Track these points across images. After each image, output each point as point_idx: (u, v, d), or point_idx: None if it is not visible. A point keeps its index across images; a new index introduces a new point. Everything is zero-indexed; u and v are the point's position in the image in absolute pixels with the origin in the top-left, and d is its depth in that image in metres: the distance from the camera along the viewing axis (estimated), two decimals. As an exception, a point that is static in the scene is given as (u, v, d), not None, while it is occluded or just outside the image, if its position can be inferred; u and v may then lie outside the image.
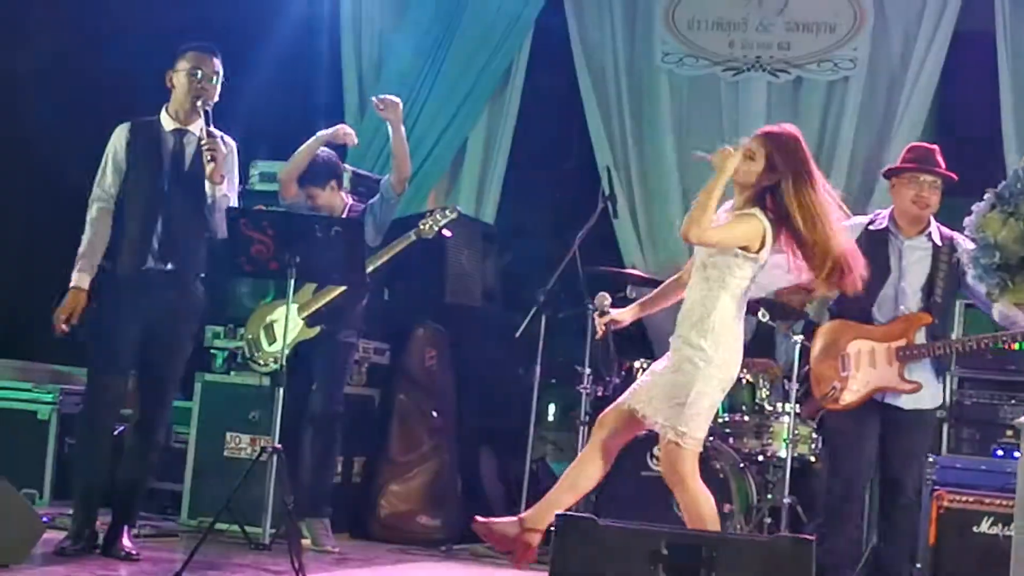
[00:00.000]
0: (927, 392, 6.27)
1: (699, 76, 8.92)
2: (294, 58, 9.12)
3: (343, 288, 7.05)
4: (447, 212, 7.31)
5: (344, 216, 7.20)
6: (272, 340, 7.21)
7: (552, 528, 4.95)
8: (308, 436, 7.23)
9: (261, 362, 7.26)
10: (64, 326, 6.23)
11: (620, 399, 5.73)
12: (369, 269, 6.82)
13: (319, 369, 7.26)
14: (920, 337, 6.26)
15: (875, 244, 6.31)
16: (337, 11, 9.37)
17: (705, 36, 8.90)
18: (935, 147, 6.54)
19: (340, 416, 7.28)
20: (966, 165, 9.42)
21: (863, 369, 6.24)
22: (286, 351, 6.32)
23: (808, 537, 4.85)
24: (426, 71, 9.08)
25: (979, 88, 8.53)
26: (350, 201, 7.42)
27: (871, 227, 6.43)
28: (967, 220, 4.72)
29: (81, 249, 6.34)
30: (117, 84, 8.57)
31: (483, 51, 9.03)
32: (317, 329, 7.21)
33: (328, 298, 7.18)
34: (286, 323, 6.19)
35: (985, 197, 4.66)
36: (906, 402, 6.24)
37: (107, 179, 6.35)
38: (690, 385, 5.47)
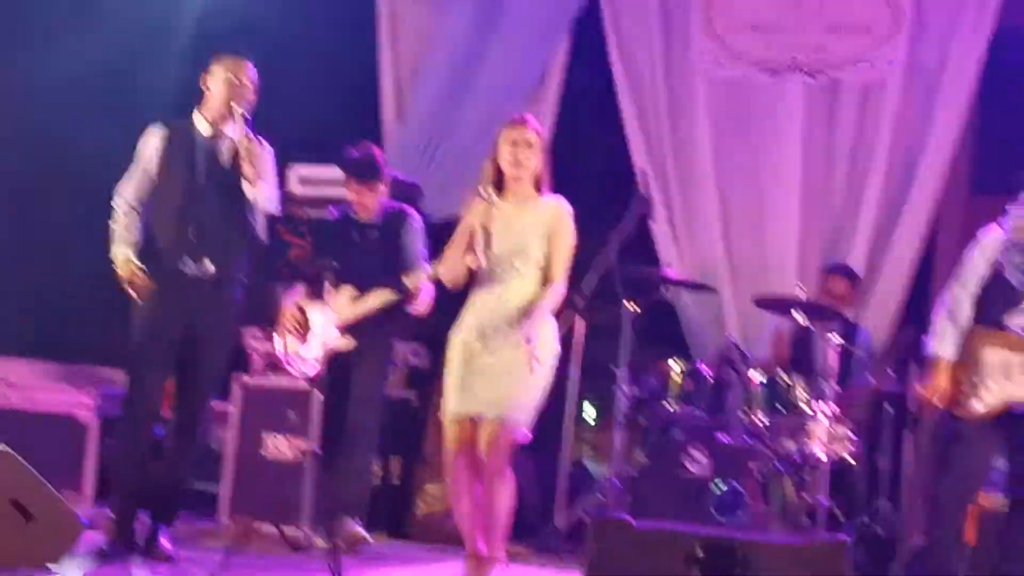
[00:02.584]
0: None
1: (736, 78, 8.87)
2: (331, 63, 9.10)
3: (381, 300, 6.90)
4: None
5: (380, 220, 7.12)
6: (306, 348, 7.05)
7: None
8: (344, 442, 7.18)
9: (294, 367, 7.12)
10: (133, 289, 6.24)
11: None
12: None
13: (356, 378, 7.07)
14: None
15: (1014, 252, 6.03)
16: (373, 13, 9.35)
17: (742, 38, 8.84)
18: None
19: (372, 428, 7.12)
20: (1008, 167, 9.43)
21: (997, 380, 5.95)
22: (317, 361, 6.27)
23: (843, 538, 4.82)
24: (463, 74, 9.06)
25: (1020, 87, 8.46)
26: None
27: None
28: (1006, 223, 4.66)
29: (114, 237, 6.35)
30: (153, 87, 8.62)
31: (520, 53, 9.00)
32: (350, 342, 7.00)
33: (366, 309, 6.95)
34: (320, 326, 6.17)
35: (1021, 200, 4.60)
36: None
37: (136, 179, 6.37)
38: None
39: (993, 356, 5.96)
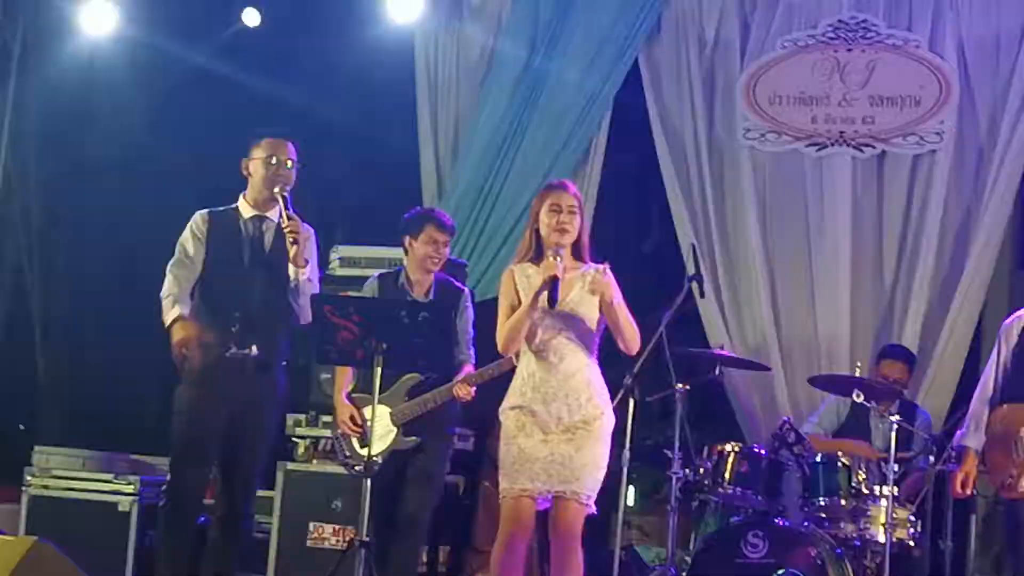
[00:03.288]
0: None
1: (782, 152, 8.72)
2: (371, 142, 9.03)
3: (439, 397, 6.72)
4: None
5: (431, 297, 6.90)
6: (363, 442, 6.73)
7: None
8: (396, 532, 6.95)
9: (354, 465, 6.79)
10: (184, 353, 6.14)
11: None
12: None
13: (415, 468, 6.78)
14: None
15: None
16: (413, 93, 9.25)
17: (787, 111, 8.70)
18: None
19: (427, 518, 6.84)
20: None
21: None
22: (378, 460, 6.17)
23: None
24: (504, 152, 8.93)
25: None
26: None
27: None
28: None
29: (165, 306, 6.25)
30: (195, 172, 8.56)
31: (562, 130, 8.87)
32: (413, 439, 6.76)
33: (425, 407, 6.74)
34: (373, 414, 6.00)
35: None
36: None
37: (182, 267, 6.27)
38: None
39: None
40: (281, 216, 6.22)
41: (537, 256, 5.79)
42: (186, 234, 6.35)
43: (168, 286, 6.27)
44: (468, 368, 6.81)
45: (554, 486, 5.63)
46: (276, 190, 6.25)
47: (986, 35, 8.46)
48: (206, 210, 6.41)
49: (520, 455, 5.65)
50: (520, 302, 5.73)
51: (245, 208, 6.37)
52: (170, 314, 6.19)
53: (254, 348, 6.21)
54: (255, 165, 6.36)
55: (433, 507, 6.88)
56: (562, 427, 5.67)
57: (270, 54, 8.94)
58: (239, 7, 8.98)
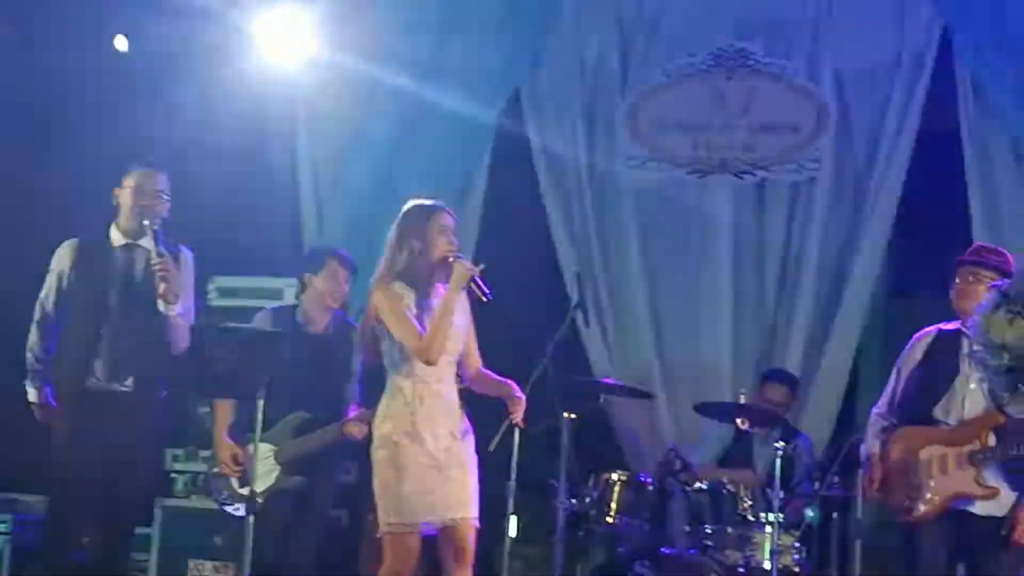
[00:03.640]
0: (1004, 498, 5.81)
1: (663, 179, 8.73)
2: (250, 173, 8.88)
3: (326, 436, 6.58)
4: None
5: (330, 332, 6.80)
6: (243, 482, 6.52)
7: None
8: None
9: (231, 504, 6.63)
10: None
11: None
12: None
13: (302, 505, 6.69)
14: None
15: (945, 344, 6.06)
16: (293, 125, 9.12)
17: (668, 139, 8.71)
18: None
19: (315, 554, 6.77)
20: (934, 265, 9.39)
21: (936, 477, 5.88)
22: (259, 500, 6.05)
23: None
24: (385, 183, 8.82)
25: (946, 188, 8.41)
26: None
27: (944, 327, 6.16)
28: (970, 321, 4.51)
29: (29, 367, 6.20)
30: (62, 204, 8.35)
31: (443, 159, 8.79)
32: (297, 479, 6.63)
33: (310, 446, 6.61)
34: (255, 453, 5.88)
35: (988, 297, 4.43)
36: (980, 508, 5.82)
37: (50, 298, 6.15)
38: None
39: (927, 453, 5.89)
40: (152, 250, 6.11)
41: (409, 276, 5.68)
42: (54, 263, 6.22)
43: (32, 341, 6.15)
44: (354, 407, 6.68)
45: (453, 512, 5.57)
46: (146, 223, 6.14)
47: (862, 65, 8.53)
48: (75, 239, 6.31)
49: (414, 485, 5.55)
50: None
51: (116, 236, 6.28)
52: (33, 391, 6.19)
53: (125, 382, 6.08)
54: (124, 195, 6.27)
55: (318, 545, 6.78)
56: (448, 451, 5.62)
57: (145, 82, 8.75)
58: (110, 33, 8.77)
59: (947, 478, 5.83)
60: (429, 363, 5.58)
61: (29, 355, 6.23)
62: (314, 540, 6.69)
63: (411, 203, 5.90)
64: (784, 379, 7.98)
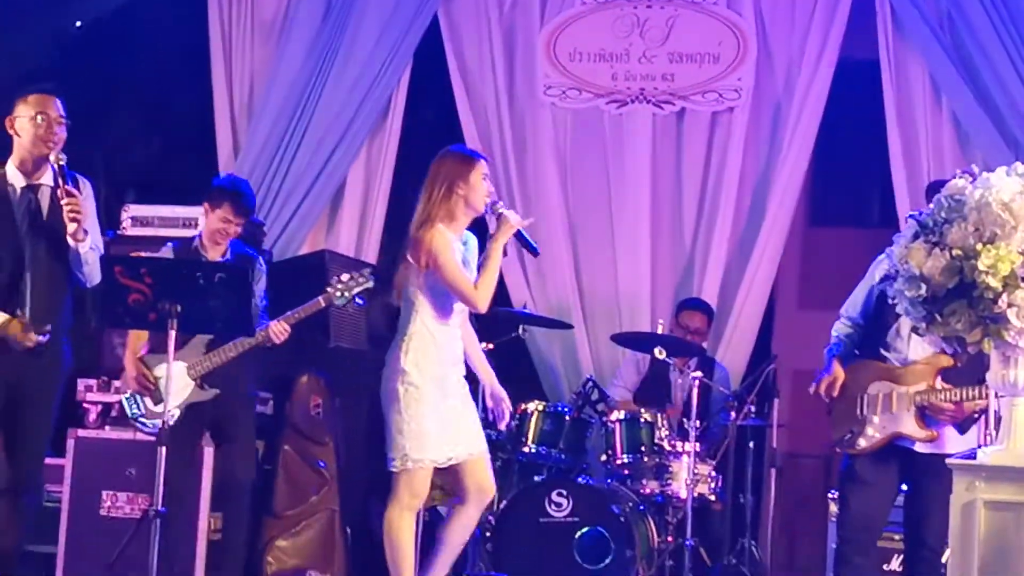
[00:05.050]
0: (947, 440, 5.75)
1: (582, 109, 8.65)
2: (163, 98, 8.72)
3: (240, 347, 6.57)
4: (360, 279, 6.64)
5: (226, 259, 6.73)
6: (158, 399, 6.56)
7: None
8: (223, 499, 6.89)
9: (147, 423, 6.67)
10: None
11: None
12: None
13: (228, 432, 6.77)
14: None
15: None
16: (206, 48, 8.96)
17: (588, 68, 8.63)
18: None
19: (252, 482, 6.88)
20: (853, 194, 9.41)
21: (880, 414, 5.82)
22: (175, 413, 6.05)
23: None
24: (302, 108, 8.68)
25: (864, 116, 8.41)
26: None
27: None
28: (888, 250, 4.47)
29: None
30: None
31: (361, 85, 8.65)
32: (212, 392, 6.66)
33: (223, 358, 6.62)
34: (168, 379, 5.82)
35: (906, 226, 4.40)
36: (921, 447, 5.77)
37: None
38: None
39: (875, 388, 5.85)
40: (58, 187, 5.87)
41: (448, 220, 5.75)
42: None
43: None
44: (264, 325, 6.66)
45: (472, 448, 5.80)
46: (52, 158, 5.88)
47: (783, -7, 8.50)
48: None
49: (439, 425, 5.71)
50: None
51: (14, 174, 5.94)
52: None
53: (47, 328, 5.89)
54: (21, 123, 5.92)
55: (251, 477, 6.86)
56: (464, 393, 5.84)
57: (52, 6, 8.54)
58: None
59: (891, 417, 5.80)
60: (478, 311, 5.77)
61: None
62: (248, 470, 6.81)
63: (451, 149, 5.99)
64: (700, 307, 7.99)
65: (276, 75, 8.82)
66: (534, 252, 5.93)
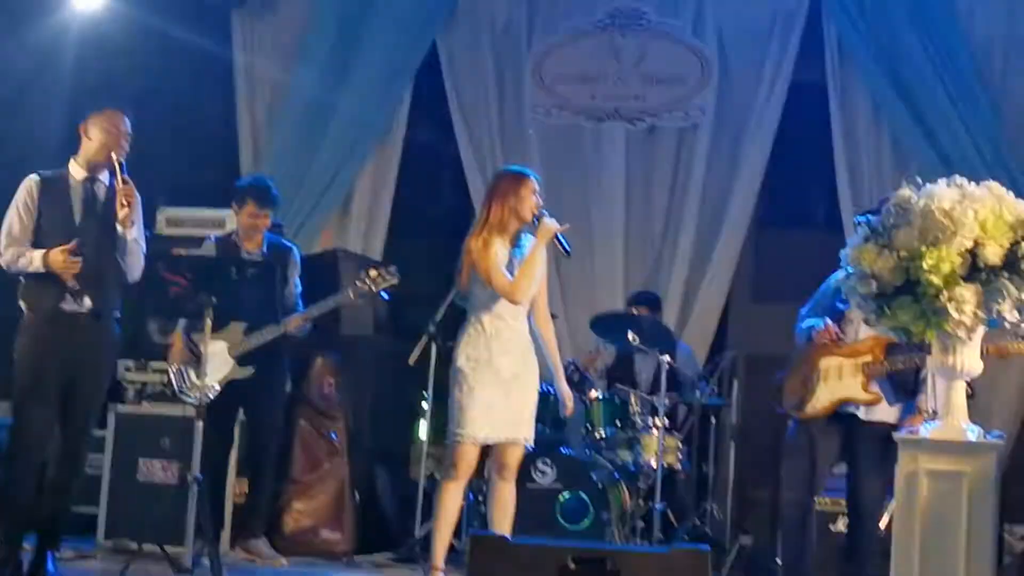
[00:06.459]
0: (885, 406, 5.85)
1: (564, 125, 8.75)
2: (193, 113, 8.75)
3: (271, 332, 6.70)
4: (388, 276, 6.73)
5: (260, 257, 6.84)
6: (199, 373, 6.55)
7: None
8: (250, 463, 7.04)
9: (191, 395, 6.72)
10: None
11: None
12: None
13: (261, 406, 6.92)
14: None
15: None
16: (231, 62, 9.00)
17: (569, 89, 8.73)
18: None
19: (275, 452, 7.04)
20: (800, 203, 9.50)
21: (830, 381, 5.89)
22: (217, 387, 6.23)
23: (705, 548, 4.65)
24: (316, 124, 8.75)
25: (813, 132, 8.50)
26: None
27: None
28: (843, 252, 4.53)
29: (17, 257, 5.96)
30: (21, 141, 8.18)
31: (368, 101, 8.74)
32: (250, 370, 6.79)
33: (260, 341, 6.75)
34: (205, 359, 5.93)
35: (857, 230, 4.48)
36: (863, 413, 5.85)
37: (16, 227, 5.99)
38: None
39: (826, 363, 5.94)
40: (116, 179, 5.97)
41: (500, 228, 5.82)
42: (18, 196, 6.04)
43: (10, 255, 5.97)
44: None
45: (507, 433, 5.81)
46: (114, 156, 5.99)
47: (741, 23, 8.59)
48: (36, 174, 6.09)
49: (480, 406, 5.74)
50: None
51: (76, 170, 6.07)
52: (35, 256, 5.91)
53: (87, 300, 5.95)
54: (96, 131, 6.04)
55: (272, 444, 6.98)
56: (517, 377, 5.81)
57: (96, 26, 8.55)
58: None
59: (839, 383, 5.87)
60: (515, 303, 5.79)
61: (11, 253, 5.97)
62: (276, 436, 6.97)
63: (506, 168, 6.22)
64: (644, 301, 8.02)
65: (292, 91, 8.88)
66: (567, 254, 6.04)
